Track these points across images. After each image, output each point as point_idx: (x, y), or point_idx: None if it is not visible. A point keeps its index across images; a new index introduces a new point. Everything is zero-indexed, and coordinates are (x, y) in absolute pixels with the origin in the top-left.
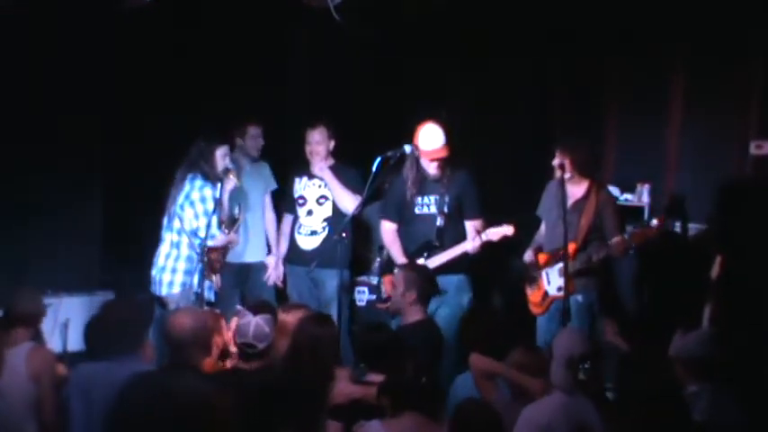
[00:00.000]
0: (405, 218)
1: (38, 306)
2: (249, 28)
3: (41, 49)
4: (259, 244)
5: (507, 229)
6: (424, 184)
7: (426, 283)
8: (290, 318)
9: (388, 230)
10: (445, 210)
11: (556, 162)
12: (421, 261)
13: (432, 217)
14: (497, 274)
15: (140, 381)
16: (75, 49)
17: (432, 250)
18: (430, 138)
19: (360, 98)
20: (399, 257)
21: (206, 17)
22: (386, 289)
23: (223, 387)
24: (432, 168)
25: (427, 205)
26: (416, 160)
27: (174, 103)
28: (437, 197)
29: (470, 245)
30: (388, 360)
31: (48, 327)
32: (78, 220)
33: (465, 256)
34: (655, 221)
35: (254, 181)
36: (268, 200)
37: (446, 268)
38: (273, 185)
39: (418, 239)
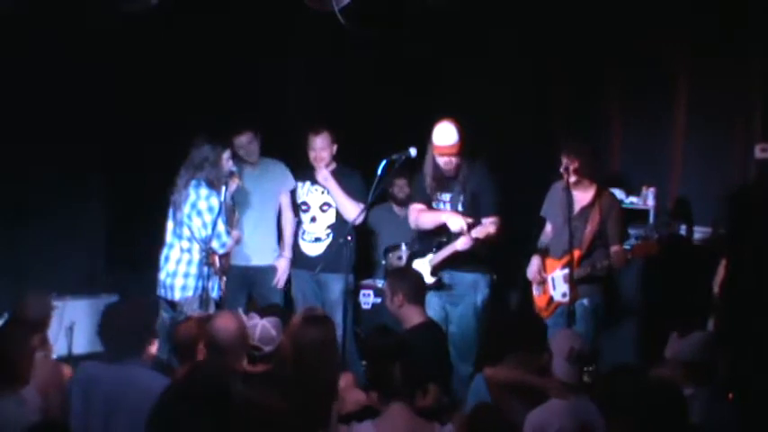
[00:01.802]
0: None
1: (47, 311)
2: (249, 28)
3: (41, 49)
4: (268, 246)
5: (490, 227)
6: (441, 181)
7: (410, 284)
8: None
9: (422, 209)
10: (459, 207)
11: (564, 168)
12: (429, 256)
13: None
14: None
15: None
16: (75, 49)
17: (440, 246)
18: (442, 134)
19: (361, 99)
20: (449, 220)
21: (205, 18)
22: None
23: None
24: (443, 164)
25: (444, 202)
26: (434, 156)
27: (175, 104)
28: (453, 194)
29: (460, 243)
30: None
31: (53, 330)
32: (83, 223)
33: (481, 253)
34: (656, 235)
35: (258, 184)
36: (286, 200)
37: (460, 265)
38: (292, 183)
39: (431, 234)
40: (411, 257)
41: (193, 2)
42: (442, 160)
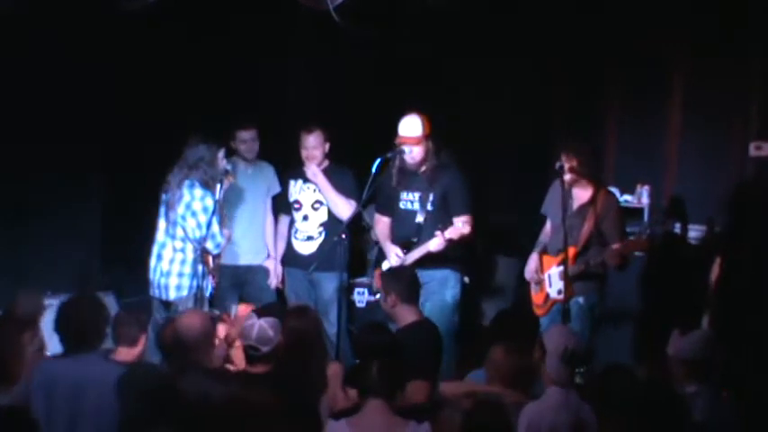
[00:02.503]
0: (393, 212)
1: (38, 308)
2: (249, 28)
3: (42, 49)
4: (258, 246)
5: (464, 228)
6: (408, 180)
7: (403, 284)
8: None
9: (382, 225)
10: (428, 207)
11: (565, 165)
12: (400, 257)
13: (413, 213)
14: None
15: (151, 381)
16: (75, 49)
17: (410, 247)
18: (405, 124)
19: (359, 98)
20: (388, 253)
21: (206, 18)
22: (375, 282)
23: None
24: (408, 157)
25: (411, 201)
26: (402, 154)
27: (175, 104)
28: (421, 194)
29: (434, 244)
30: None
31: (48, 328)
32: (78, 221)
33: (450, 253)
34: (649, 231)
35: (252, 183)
36: (268, 203)
37: (430, 263)
38: (277, 189)
39: (400, 235)
40: (380, 258)
41: (193, 2)
42: (407, 150)
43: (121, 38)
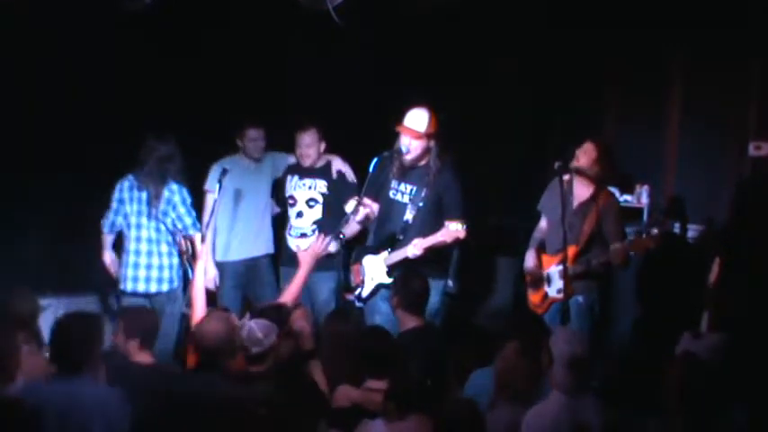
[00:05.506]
0: (381, 199)
1: (33, 306)
2: (248, 28)
3: (41, 50)
4: (259, 241)
5: (441, 236)
6: (407, 171)
7: (408, 292)
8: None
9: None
10: (420, 204)
11: (579, 157)
12: (384, 254)
13: (403, 207)
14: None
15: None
16: (74, 49)
17: (395, 244)
18: (412, 115)
19: (359, 98)
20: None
21: (205, 18)
22: (353, 278)
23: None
24: (403, 145)
25: (402, 193)
26: (399, 154)
27: (173, 103)
28: (414, 188)
29: (411, 251)
30: (390, 367)
31: (47, 328)
32: (78, 221)
33: (432, 258)
34: (655, 230)
35: (253, 180)
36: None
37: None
38: (279, 173)
39: (386, 226)
40: (362, 252)
41: (193, 2)
42: (401, 141)
43: (121, 38)
